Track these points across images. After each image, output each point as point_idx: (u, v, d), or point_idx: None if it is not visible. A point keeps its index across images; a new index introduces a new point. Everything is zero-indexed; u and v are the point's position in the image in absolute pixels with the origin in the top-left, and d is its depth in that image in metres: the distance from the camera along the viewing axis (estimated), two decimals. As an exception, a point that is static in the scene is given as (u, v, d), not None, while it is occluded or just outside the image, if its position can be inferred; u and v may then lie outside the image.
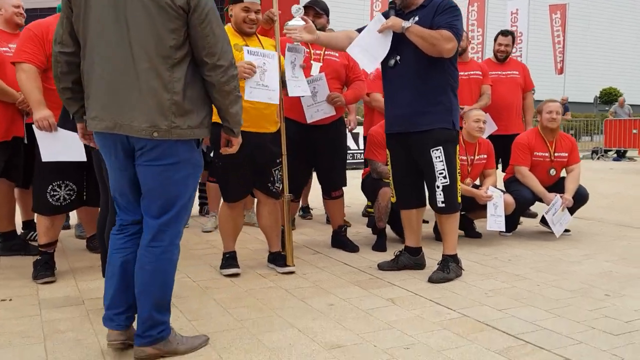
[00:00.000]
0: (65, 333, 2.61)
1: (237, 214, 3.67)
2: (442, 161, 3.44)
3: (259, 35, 3.69)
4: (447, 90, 3.41)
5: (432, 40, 3.25)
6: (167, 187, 2.26)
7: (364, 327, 2.70)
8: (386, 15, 3.42)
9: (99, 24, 2.18)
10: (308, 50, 3.92)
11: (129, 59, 2.15)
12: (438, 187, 3.49)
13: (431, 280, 3.47)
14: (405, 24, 3.31)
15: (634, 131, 14.29)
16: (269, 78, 3.45)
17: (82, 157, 3.30)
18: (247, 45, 3.48)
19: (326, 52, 4.19)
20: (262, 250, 4.19)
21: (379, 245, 4.37)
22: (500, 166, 5.61)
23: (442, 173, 3.46)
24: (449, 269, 3.51)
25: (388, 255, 4.11)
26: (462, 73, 5.21)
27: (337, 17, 18.92)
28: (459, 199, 3.55)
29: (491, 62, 5.82)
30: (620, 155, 15.13)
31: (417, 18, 3.35)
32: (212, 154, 3.64)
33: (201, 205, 5.77)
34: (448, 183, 3.47)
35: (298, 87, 3.69)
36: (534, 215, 5.50)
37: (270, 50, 3.56)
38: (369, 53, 3.44)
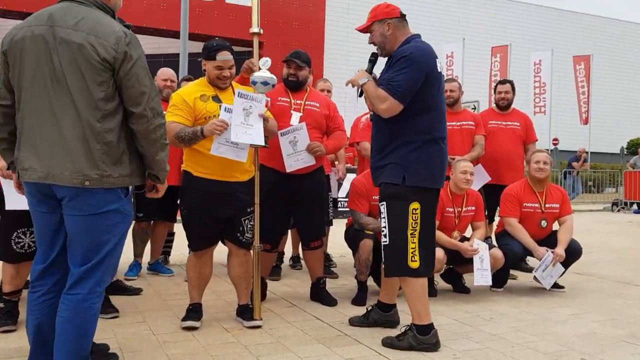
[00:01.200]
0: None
1: (203, 264, 3.60)
2: (384, 218, 3.16)
3: (235, 85, 3.68)
4: (404, 144, 3.12)
5: (371, 100, 3.14)
6: (92, 235, 2.28)
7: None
8: (372, 60, 3.31)
9: (30, 77, 2.25)
10: (267, 101, 3.84)
11: (59, 110, 2.21)
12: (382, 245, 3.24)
13: (382, 342, 3.26)
14: (362, 80, 3.19)
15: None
16: (252, 120, 3.41)
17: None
18: (217, 96, 3.49)
19: (306, 102, 4.18)
20: (236, 302, 4.08)
21: (359, 299, 4.22)
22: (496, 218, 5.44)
23: (383, 231, 3.18)
24: (405, 338, 3.19)
25: (365, 310, 3.97)
26: (453, 123, 5.16)
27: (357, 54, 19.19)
28: (413, 264, 3.10)
29: (492, 112, 5.74)
30: (642, 208, 14.66)
31: (376, 73, 3.26)
32: (178, 201, 3.61)
33: (164, 254, 5.58)
34: (387, 243, 3.15)
35: (247, 135, 3.40)
36: (529, 270, 5.28)
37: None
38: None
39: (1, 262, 3.53)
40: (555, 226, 4.75)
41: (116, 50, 2.23)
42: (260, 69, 3.61)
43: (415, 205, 3.11)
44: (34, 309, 2.37)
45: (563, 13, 26.50)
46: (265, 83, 3.53)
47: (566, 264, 4.56)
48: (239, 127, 3.36)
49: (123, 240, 2.43)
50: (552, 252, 4.46)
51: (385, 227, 3.15)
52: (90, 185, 2.22)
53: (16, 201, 3.29)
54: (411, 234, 3.10)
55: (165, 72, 5.02)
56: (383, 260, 3.25)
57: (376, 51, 3.28)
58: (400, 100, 3.02)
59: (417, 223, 3.11)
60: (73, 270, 2.29)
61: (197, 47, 14.14)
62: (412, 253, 3.10)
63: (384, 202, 3.16)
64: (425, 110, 3.15)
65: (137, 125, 2.30)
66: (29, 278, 2.60)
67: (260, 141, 3.46)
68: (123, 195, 2.35)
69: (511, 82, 5.70)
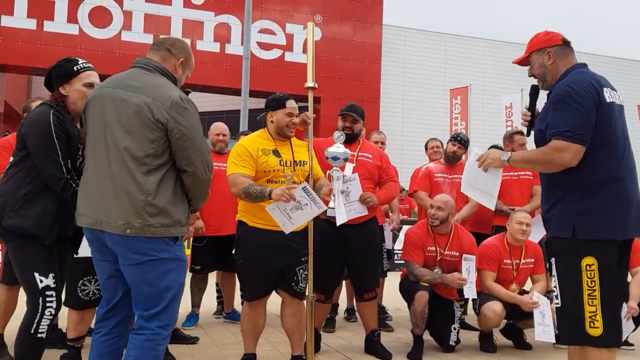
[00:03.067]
0: None
1: (257, 314, 3.64)
2: (554, 276, 2.78)
3: (294, 140, 3.80)
4: (572, 190, 2.68)
5: (536, 163, 2.79)
6: (149, 282, 2.43)
7: None
8: (532, 94, 3.02)
9: (93, 131, 2.53)
10: (344, 176, 4.07)
11: (110, 163, 2.43)
12: None
13: None
14: (504, 156, 2.91)
15: None
16: (353, 196, 3.92)
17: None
18: (277, 150, 3.59)
19: (360, 153, 4.25)
20: (290, 353, 4.07)
21: (414, 353, 4.14)
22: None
23: (554, 291, 2.79)
24: None
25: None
26: (511, 174, 5.10)
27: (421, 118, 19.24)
28: (592, 330, 2.58)
29: None
30: None
31: (538, 108, 2.97)
32: (234, 251, 3.69)
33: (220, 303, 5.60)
34: (559, 305, 2.72)
35: (341, 215, 3.88)
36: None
37: (305, 159, 3.68)
38: (481, 191, 3.24)
39: (67, 308, 3.68)
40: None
41: (169, 113, 2.41)
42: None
43: (589, 260, 2.61)
44: (95, 348, 2.54)
45: (621, 61, 25.80)
46: (335, 158, 3.83)
47: (638, 320, 4.32)
48: (340, 207, 3.77)
49: (183, 285, 2.56)
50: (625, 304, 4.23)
51: (555, 286, 2.74)
52: (132, 234, 2.38)
53: (87, 249, 3.45)
54: (589, 294, 2.60)
55: (217, 127, 5.14)
56: (556, 325, 3.02)
57: (537, 83, 2.97)
58: (583, 143, 2.59)
59: (594, 282, 2.61)
60: (138, 313, 2.46)
61: (256, 103, 14.67)
62: (590, 317, 2.58)
63: (553, 258, 2.76)
64: (596, 148, 2.65)
65: (188, 181, 2.51)
66: (92, 325, 2.73)
67: (343, 219, 3.87)
68: (173, 242, 2.49)
69: None
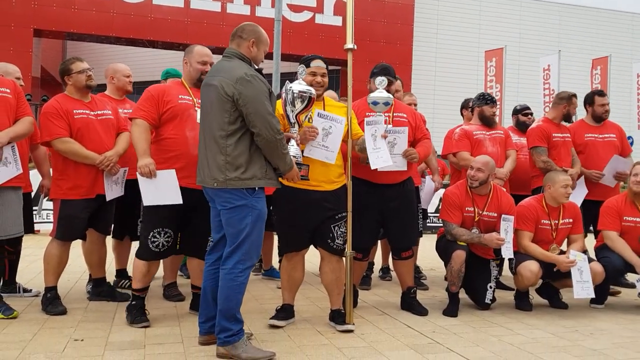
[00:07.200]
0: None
1: (293, 267, 3.75)
2: None
3: (327, 100, 3.84)
4: None
5: None
6: (230, 223, 3.06)
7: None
8: None
9: (200, 111, 3.31)
10: (386, 119, 4.02)
11: (204, 133, 3.14)
12: None
13: None
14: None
15: None
16: (330, 140, 3.62)
17: (178, 200, 3.54)
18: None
19: (394, 114, 4.24)
20: (329, 308, 4.19)
21: (450, 310, 4.20)
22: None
23: None
24: None
25: (457, 321, 3.97)
26: (559, 135, 5.10)
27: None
28: None
29: (585, 125, 5.42)
30: None
31: None
32: (271, 208, 3.78)
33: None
34: None
35: (380, 159, 3.78)
36: (631, 285, 5.01)
37: (341, 115, 3.72)
38: None
39: (134, 260, 3.78)
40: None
41: (235, 87, 3.00)
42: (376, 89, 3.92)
43: None
44: (205, 276, 3.24)
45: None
46: (387, 103, 3.89)
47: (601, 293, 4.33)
48: (372, 154, 3.71)
49: (257, 230, 3.07)
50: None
51: None
52: (218, 186, 3.04)
53: (152, 198, 3.57)
54: None
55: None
56: None
57: None
58: None
59: None
60: (225, 250, 3.09)
61: (288, 66, 14.61)
62: None
63: None
64: None
65: (258, 141, 3.03)
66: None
67: (389, 161, 3.78)
68: (249, 194, 3.04)
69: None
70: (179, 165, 3.61)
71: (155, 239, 3.64)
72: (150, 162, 3.53)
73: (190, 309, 4.04)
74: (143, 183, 3.56)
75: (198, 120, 3.51)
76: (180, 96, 3.71)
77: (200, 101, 3.34)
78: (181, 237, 3.79)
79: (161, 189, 3.55)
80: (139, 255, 3.71)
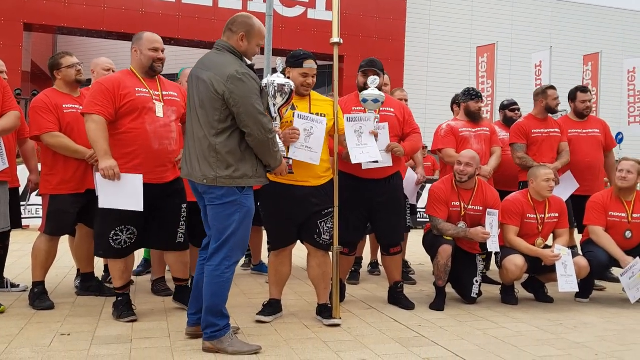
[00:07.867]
0: (103, 367, 2.79)
1: (280, 262, 3.77)
2: None
3: (314, 95, 3.84)
4: None
5: None
6: (218, 219, 3.06)
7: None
8: None
9: (188, 105, 3.19)
10: (377, 117, 4.01)
11: (194, 127, 3.09)
12: None
13: None
14: None
15: None
16: (313, 141, 3.60)
17: (139, 207, 3.46)
18: (295, 106, 3.65)
19: (382, 108, 4.24)
20: (316, 302, 4.21)
21: (436, 304, 4.23)
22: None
23: None
24: None
25: (443, 315, 4.00)
26: (542, 130, 5.11)
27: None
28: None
29: (569, 120, 5.46)
30: None
31: None
32: (258, 204, 3.80)
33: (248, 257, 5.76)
34: None
35: (365, 154, 3.81)
36: (616, 280, 5.06)
37: (328, 109, 3.74)
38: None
39: (108, 260, 3.79)
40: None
41: (226, 86, 2.95)
42: (368, 87, 3.94)
43: None
44: (198, 269, 3.24)
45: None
46: (375, 100, 3.89)
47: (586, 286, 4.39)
48: (354, 149, 3.71)
49: (244, 227, 3.07)
50: (641, 260, 4.27)
51: None
52: (208, 183, 3.01)
53: (110, 201, 3.48)
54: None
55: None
56: None
57: None
58: None
59: None
60: (211, 245, 3.09)
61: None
62: None
63: None
64: None
65: (249, 140, 3.02)
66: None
67: (377, 157, 3.78)
68: (239, 191, 3.03)
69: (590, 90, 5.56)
70: (138, 160, 3.53)
71: (117, 237, 3.61)
72: (115, 165, 3.41)
73: (174, 300, 4.06)
74: (103, 184, 3.43)
75: (158, 114, 3.52)
76: (137, 89, 3.58)
77: (188, 90, 3.21)
78: (148, 232, 3.74)
79: (123, 193, 3.44)
80: (99, 253, 3.71)
